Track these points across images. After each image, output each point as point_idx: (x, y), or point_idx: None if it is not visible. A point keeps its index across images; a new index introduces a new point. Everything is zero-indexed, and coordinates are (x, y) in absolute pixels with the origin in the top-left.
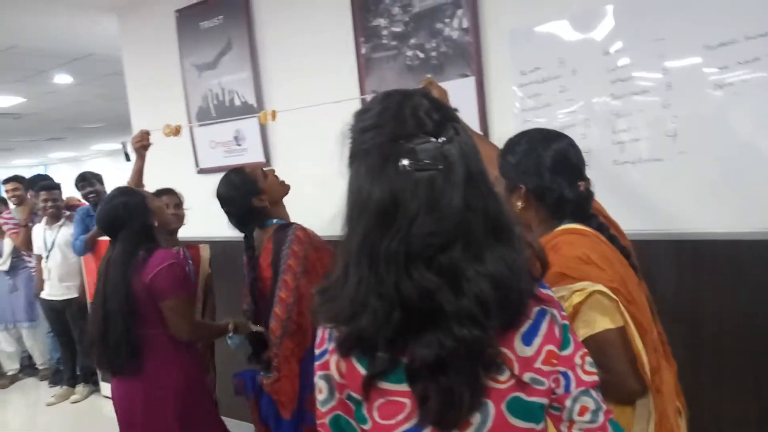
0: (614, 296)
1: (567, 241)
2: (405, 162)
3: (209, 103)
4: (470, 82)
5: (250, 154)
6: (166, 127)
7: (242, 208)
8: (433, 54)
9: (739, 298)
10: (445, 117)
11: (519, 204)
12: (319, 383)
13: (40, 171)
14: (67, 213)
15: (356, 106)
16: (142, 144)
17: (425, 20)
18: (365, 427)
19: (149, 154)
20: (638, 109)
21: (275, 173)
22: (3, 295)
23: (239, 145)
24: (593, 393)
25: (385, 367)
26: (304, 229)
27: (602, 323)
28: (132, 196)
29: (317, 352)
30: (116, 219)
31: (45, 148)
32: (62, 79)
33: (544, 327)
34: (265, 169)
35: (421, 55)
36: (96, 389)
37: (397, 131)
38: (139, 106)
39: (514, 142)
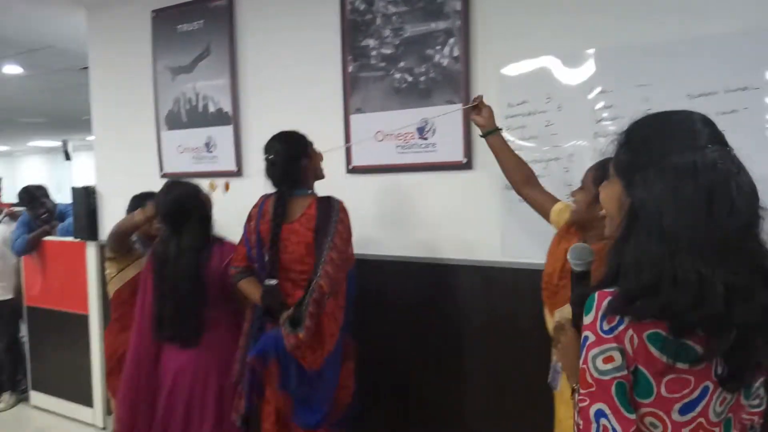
0: None
1: None
2: (717, 162)
3: (180, 108)
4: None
5: (221, 162)
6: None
7: (288, 163)
8: (422, 78)
9: None
10: (718, 131)
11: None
12: (612, 353)
13: None
14: (4, 211)
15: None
16: None
17: (416, 45)
18: (646, 401)
19: (114, 155)
20: None
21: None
22: None
23: (210, 152)
24: None
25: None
26: (342, 202)
27: None
28: (190, 187)
29: (607, 326)
30: (181, 210)
31: None
32: (11, 69)
33: None
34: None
35: (410, 79)
36: (23, 398)
37: (700, 139)
38: (102, 104)
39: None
